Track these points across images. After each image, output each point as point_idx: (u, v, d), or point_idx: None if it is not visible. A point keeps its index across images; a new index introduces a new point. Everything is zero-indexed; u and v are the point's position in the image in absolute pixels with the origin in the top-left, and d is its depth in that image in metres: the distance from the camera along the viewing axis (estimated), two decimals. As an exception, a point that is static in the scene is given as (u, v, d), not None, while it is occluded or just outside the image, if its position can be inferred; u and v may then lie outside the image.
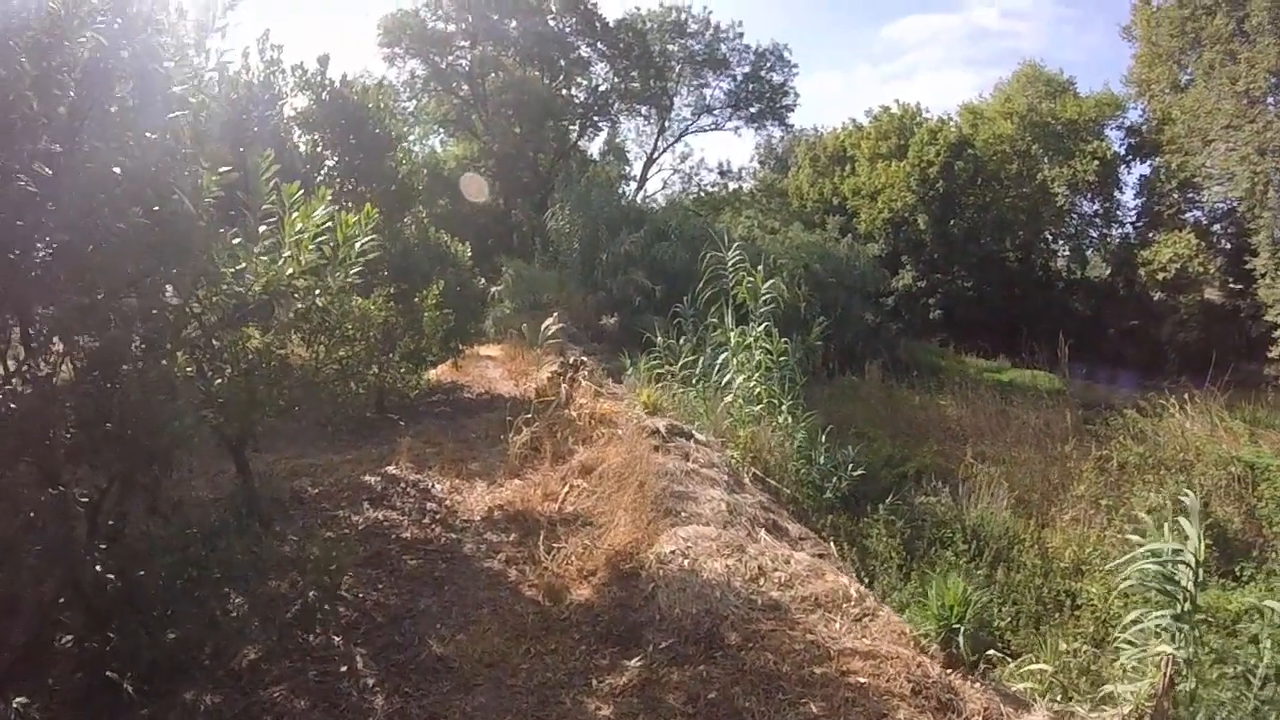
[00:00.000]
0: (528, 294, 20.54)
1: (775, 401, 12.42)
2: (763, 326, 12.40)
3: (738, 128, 34.13)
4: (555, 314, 10.65)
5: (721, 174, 34.26)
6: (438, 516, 8.85)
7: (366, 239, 4.65)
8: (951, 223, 33.09)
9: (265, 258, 4.38)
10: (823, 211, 35.72)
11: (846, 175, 36.43)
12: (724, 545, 7.24)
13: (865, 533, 10.63)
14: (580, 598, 6.99)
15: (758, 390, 12.30)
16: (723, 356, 12.96)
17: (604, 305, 20.33)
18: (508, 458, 9.98)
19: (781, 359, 12.79)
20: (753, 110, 33.50)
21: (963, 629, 6.15)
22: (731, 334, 13.01)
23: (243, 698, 5.98)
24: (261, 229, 4.60)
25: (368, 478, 10.09)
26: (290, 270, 4.44)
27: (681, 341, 15.29)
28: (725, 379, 12.82)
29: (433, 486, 9.65)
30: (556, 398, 10.97)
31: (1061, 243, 34.80)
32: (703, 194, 32.42)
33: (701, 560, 6.93)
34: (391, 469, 10.28)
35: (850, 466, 12.15)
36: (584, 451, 9.68)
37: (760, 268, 13.77)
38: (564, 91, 29.14)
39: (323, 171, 9.05)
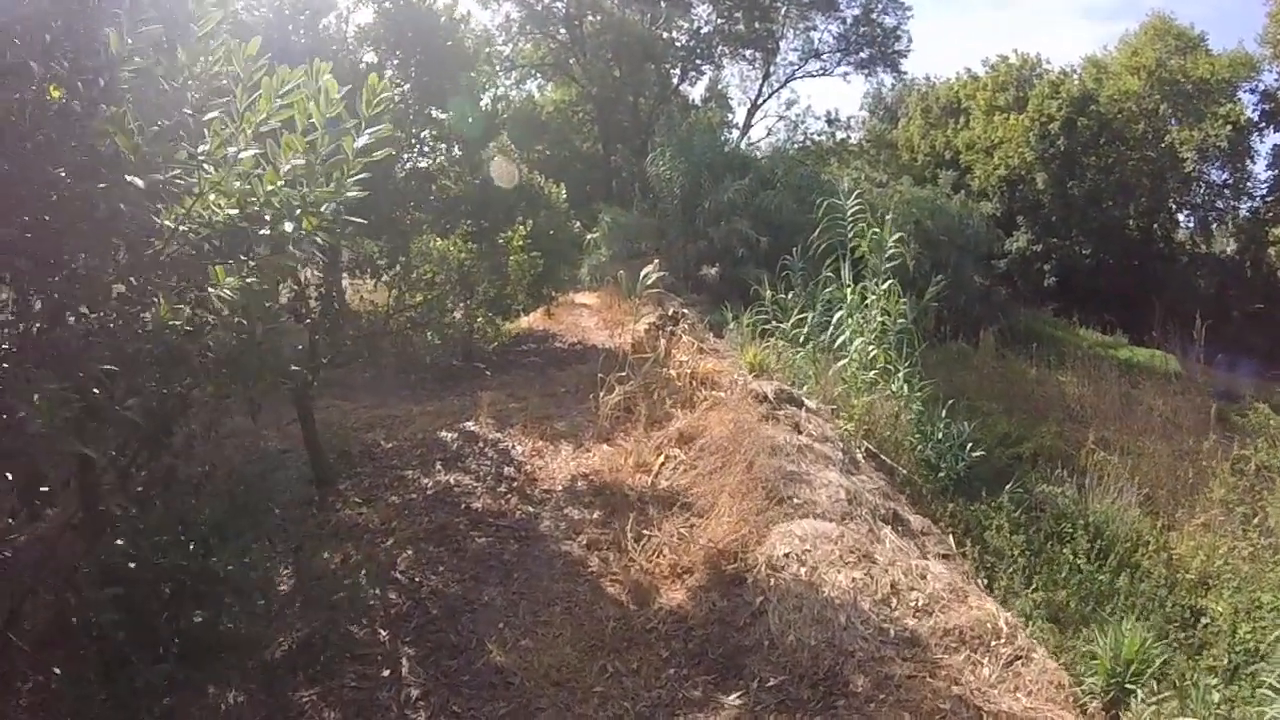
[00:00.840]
0: (625, 241, 19.06)
1: (891, 368, 10.62)
2: (887, 284, 10.56)
3: (846, 74, 31.35)
4: (655, 261, 9.06)
5: (829, 123, 31.80)
6: (515, 484, 7.53)
7: (378, 128, 3.10)
8: (1071, 184, 29.85)
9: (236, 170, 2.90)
10: (934, 166, 32.89)
11: (960, 128, 33.42)
12: (847, 549, 5.72)
13: (983, 521, 9.18)
14: (671, 602, 5.58)
15: (875, 354, 10.52)
16: (838, 315, 11.19)
17: (705, 255, 18.71)
18: (597, 418, 8.59)
19: (899, 321, 10.92)
20: (863, 55, 30.63)
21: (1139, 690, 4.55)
22: (849, 291, 11.22)
23: (268, 700, 4.79)
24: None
25: (444, 433, 8.86)
26: (270, 186, 2.96)
27: (790, 296, 13.61)
28: (839, 340, 11.06)
29: (513, 448, 8.35)
30: (654, 353, 9.46)
31: (1186, 213, 31.26)
32: (809, 143, 30.08)
33: (822, 569, 5.45)
34: (471, 425, 9.01)
35: (969, 446, 10.49)
36: (683, 417, 8.21)
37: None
38: (665, 34, 27.17)
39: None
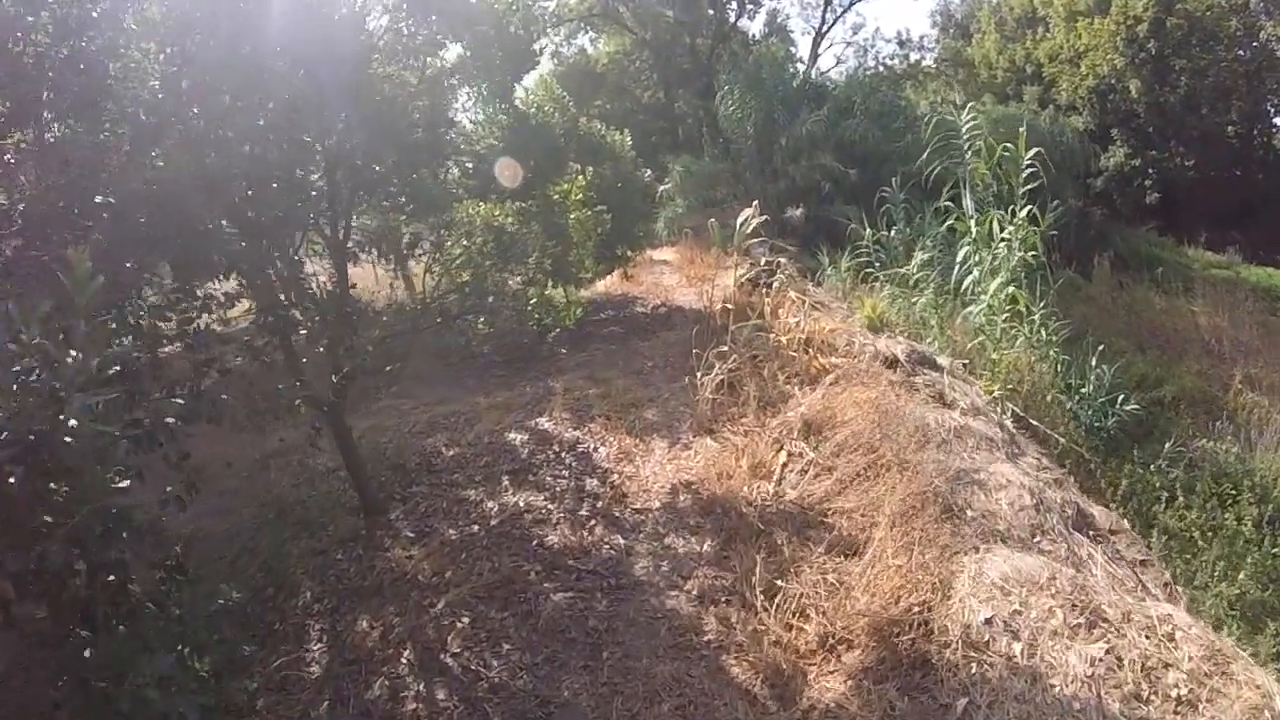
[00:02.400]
0: (699, 190, 16.75)
1: (1024, 310, 8.21)
2: (1026, 211, 8.13)
3: None
4: (755, 204, 6.78)
5: (900, 44, 28.34)
6: (599, 504, 5.58)
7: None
8: (1164, 90, 25.83)
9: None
10: (1015, 82, 29.21)
11: (1040, 39, 29.47)
12: (1065, 600, 3.77)
13: (1152, 493, 7.29)
14: (826, 698, 3.63)
15: (1013, 296, 8.13)
16: (962, 251, 8.77)
17: (786, 195, 16.26)
18: (695, 403, 6.51)
19: (1032, 255, 8.49)
20: None
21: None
22: (972, 223, 8.79)
23: None
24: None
25: (513, 434, 6.99)
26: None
27: (892, 234, 11.21)
28: (966, 281, 8.67)
29: (595, 449, 6.40)
30: (754, 314, 7.29)
31: None
32: (881, 68, 26.75)
33: (1043, 644, 3.32)
34: (544, 421, 7.10)
35: (1120, 399, 8.44)
36: (803, 396, 6.12)
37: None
38: (716, -35, 24.30)
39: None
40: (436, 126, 4.88)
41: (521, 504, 5.74)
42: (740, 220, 6.76)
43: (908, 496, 4.51)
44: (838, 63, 27.66)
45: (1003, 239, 8.43)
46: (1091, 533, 5.14)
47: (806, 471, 5.24)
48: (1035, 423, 7.27)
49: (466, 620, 4.61)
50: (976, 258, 8.83)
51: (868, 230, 11.05)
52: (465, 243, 5.71)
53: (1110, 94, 26.83)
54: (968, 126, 9.29)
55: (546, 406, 7.36)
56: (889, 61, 27.09)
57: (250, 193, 4.02)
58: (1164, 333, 13.91)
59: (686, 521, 5.15)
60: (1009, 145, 8.64)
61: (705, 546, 4.85)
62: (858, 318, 8.03)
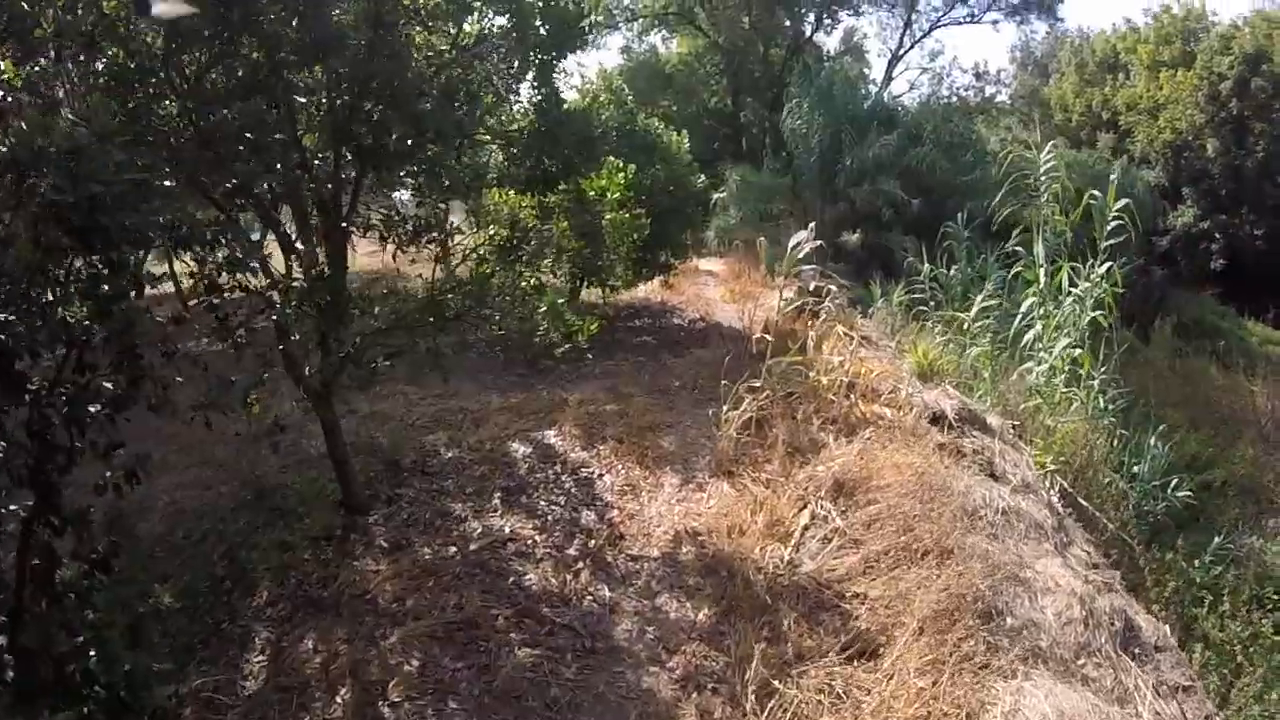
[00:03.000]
0: (755, 202, 15.90)
1: (1086, 374, 7.33)
2: (1106, 268, 7.26)
3: (996, 21, 26.06)
4: (811, 225, 5.98)
5: (977, 76, 27.07)
6: (591, 543, 4.87)
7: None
8: (1243, 153, 24.31)
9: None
10: (1090, 127, 27.80)
11: (1120, 85, 27.97)
12: None
13: (1188, 589, 6.41)
14: None
15: (1080, 358, 7.29)
16: (1027, 302, 7.91)
17: (845, 219, 15.40)
18: (718, 437, 5.74)
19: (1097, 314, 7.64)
20: (1015, 0, 25.70)
21: None
22: (1042, 272, 7.93)
23: None
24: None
25: (516, 445, 6.33)
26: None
27: (952, 272, 10.34)
28: (1029, 336, 7.81)
29: (599, 477, 5.70)
30: (794, 343, 6.54)
31: None
32: (954, 98, 25.57)
33: None
34: (551, 434, 6.43)
35: (1174, 483, 7.49)
36: (838, 448, 5.35)
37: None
38: (799, -23, 23.35)
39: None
40: (453, 99, 4.22)
41: (507, 529, 5.06)
42: (793, 242, 6.00)
43: (943, 595, 3.74)
44: (911, 88, 26.49)
45: (1074, 294, 7.54)
46: (1138, 649, 4.32)
47: (830, 540, 4.48)
48: (1084, 503, 6.42)
49: (417, 663, 3.94)
50: (1041, 310, 7.95)
51: (926, 265, 10.21)
52: (481, 235, 5.06)
53: (1186, 151, 25.42)
54: (1046, 167, 8.38)
55: (559, 418, 6.68)
56: (963, 92, 25.89)
57: (215, 153, 3.43)
58: (1220, 410, 12.81)
59: (685, 580, 4.42)
60: (1096, 194, 7.74)
61: (701, 615, 4.12)
62: (907, 362, 7.22)
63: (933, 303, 10.22)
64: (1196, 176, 25.11)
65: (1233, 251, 24.11)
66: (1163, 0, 31.23)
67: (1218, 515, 8.44)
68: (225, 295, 3.64)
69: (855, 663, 3.57)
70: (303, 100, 4.15)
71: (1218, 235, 24.38)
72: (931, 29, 25.88)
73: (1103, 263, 7.42)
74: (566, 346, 4.54)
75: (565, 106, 5.24)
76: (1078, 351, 7.21)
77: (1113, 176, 8.58)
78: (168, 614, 4.20)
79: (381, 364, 4.71)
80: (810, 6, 23.10)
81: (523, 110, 5.20)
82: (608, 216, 6.67)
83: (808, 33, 24.06)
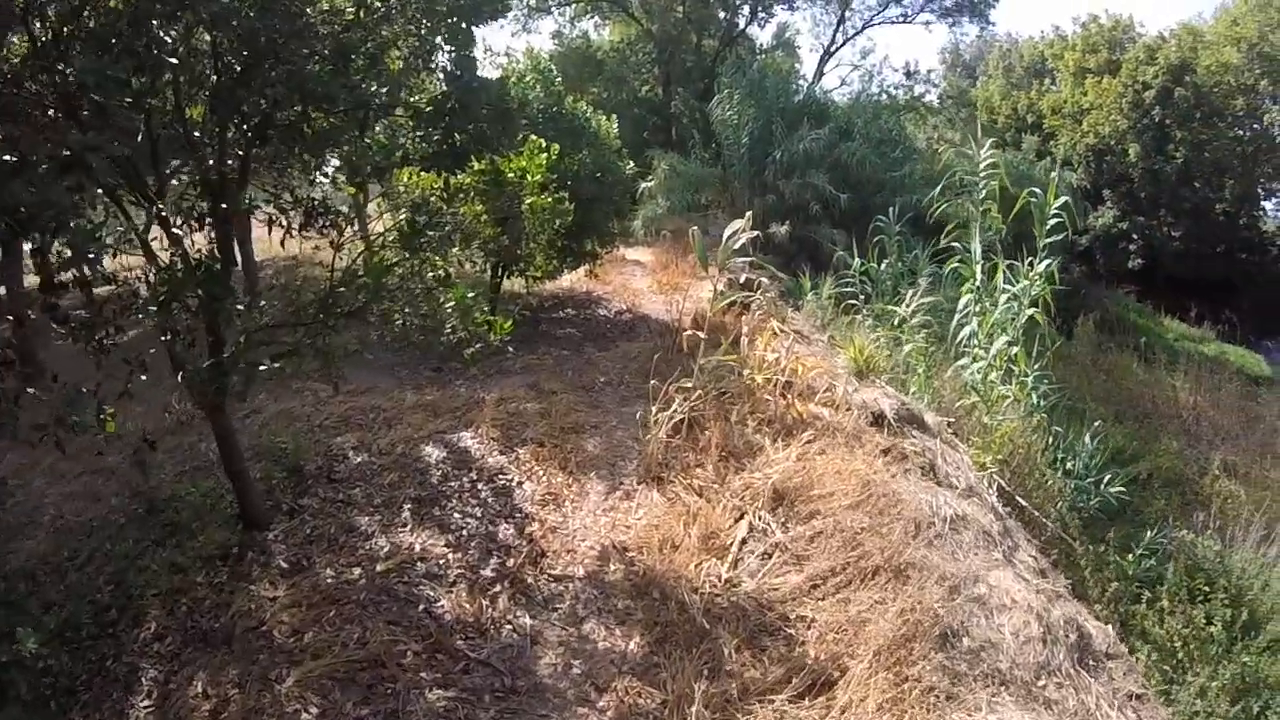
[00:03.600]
0: (684, 191, 15.45)
1: (1018, 370, 7.19)
2: (1045, 264, 7.11)
3: (929, 23, 25.85)
4: (747, 216, 5.48)
5: (907, 75, 27.15)
6: (510, 562, 4.36)
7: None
8: (1162, 159, 25.23)
9: None
10: (1015, 129, 28.28)
11: (1045, 90, 28.66)
12: None
13: (1125, 584, 6.34)
14: None
15: (1017, 355, 7.15)
16: (963, 299, 7.74)
17: (773, 211, 15.09)
18: (646, 442, 5.28)
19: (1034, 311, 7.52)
20: (948, 2, 25.83)
21: None
22: (979, 269, 7.78)
23: None
24: None
25: (430, 449, 5.79)
26: None
27: (883, 267, 10.17)
28: (964, 331, 7.65)
29: (518, 485, 5.20)
30: (726, 338, 6.12)
31: (1275, 200, 26.51)
32: (884, 96, 25.62)
33: None
34: (468, 436, 5.90)
35: (1107, 479, 7.49)
36: (775, 452, 4.96)
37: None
38: (735, -33, 22.96)
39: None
40: (348, 62, 3.60)
41: (418, 547, 4.52)
42: (728, 233, 5.58)
43: (898, 620, 3.38)
44: (842, 84, 26.57)
45: (1010, 292, 7.37)
46: (1092, 661, 4.08)
47: (771, 556, 4.09)
48: (1023, 501, 6.23)
49: (315, 710, 3.39)
50: (978, 307, 7.77)
51: (856, 259, 9.98)
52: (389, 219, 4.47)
53: (1107, 154, 26.12)
54: (985, 165, 8.20)
55: (476, 418, 6.13)
56: (893, 90, 26.01)
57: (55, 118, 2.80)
58: (1142, 404, 13.04)
59: (613, 603, 3.96)
60: (1037, 191, 7.58)
61: (632, 644, 3.67)
62: (843, 359, 6.91)
63: (862, 297, 10.03)
64: (1117, 179, 25.83)
65: (1150, 252, 24.90)
66: (1091, 10, 31.93)
67: (1144, 508, 8.50)
68: (83, 290, 3.02)
69: (807, 699, 3.17)
70: (174, 60, 3.49)
71: (1136, 236, 25.16)
72: (864, 27, 25.81)
73: (1042, 259, 7.26)
74: (477, 346, 3.98)
75: (480, 75, 4.61)
76: (1014, 349, 7.04)
77: (1053, 175, 8.45)
78: (42, 656, 3.57)
79: (268, 366, 4.09)
80: (743, -1, 22.80)
81: (433, 79, 4.59)
82: (528, 201, 6.01)
83: (741, 25, 23.72)
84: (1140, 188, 25.40)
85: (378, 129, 4.44)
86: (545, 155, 5.84)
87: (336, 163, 4.70)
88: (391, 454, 5.80)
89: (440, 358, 8.02)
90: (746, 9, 23.00)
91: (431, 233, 3.79)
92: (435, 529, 4.72)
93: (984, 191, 8.13)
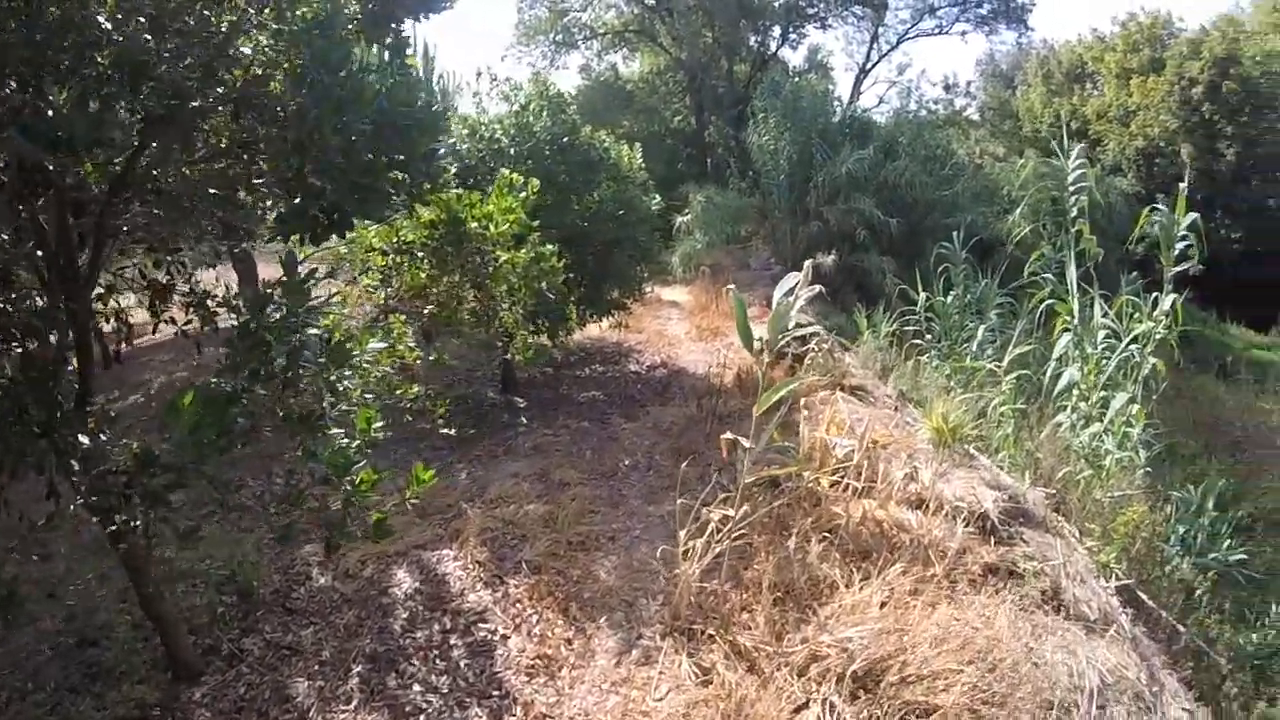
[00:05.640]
0: (722, 224, 14.04)
1: (1138, 432, 5.63)
2: (1171, 301, 5.50)
3: (964, 33, 24.03)
4: (811, 263, 3.91)
5: (946, 88, 25.43)
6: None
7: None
8: (1217, 157, 23.25)
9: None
10: (1060, 137, 26.33)
11: (1088, 95, 26.77)
12: None
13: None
14: None
15: (1137, 413, 5.52)
16: (1060, 342, 6.16)
17: (817, 240, 13.63)
18: (675, 579, 3.81)
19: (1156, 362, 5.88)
20: (983, 10, 23.87)
21: None
22: (1076, 303, 6.23)
23: None
24: None
25: (401, 575, 4.43)
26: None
27: (950, 299, 8.65)
28: (1064, 380, 6.03)
29: (501, 640, 3.80)
30: (775, 409, 4.63)
31: None
32: (924, 111, 23.98)
33: None
34: (448, 556, 4.57)
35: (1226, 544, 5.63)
36: (850, 594, 3.40)
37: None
38: (764, -11, 21.49)
39: None
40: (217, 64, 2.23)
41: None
42: (780, 293, 4.08)
43: None
44: (880, 102, 24.86)
45: (1131, 333, 5.77)
46: None
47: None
48: (1153, 604, 4.62)
49: None
50: (1078, 352, 6.16)
51: (921, 293, 8.44)
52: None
53: (1158, 157, 24.17)
54: (1074, 177, 6.63)
55: (464, 528, 4.75)
56: (932, 105, 24.34)
57: None
58: (1231, 432, 11.17)
59: None
60: (1160, 208, 6.01)
61: None
62: (922, 431, 5.38)
63: (928, 335, 8.50)
64: (1169, 183, 23.80)
65: (1209, 256, 22.85)
66: (1129, 9, 30.03)
67: (1251, 561, 6.80)
68: None
69: None
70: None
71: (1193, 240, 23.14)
72: (899, 42, 24.26)
73: (1168, 294, 5.65)
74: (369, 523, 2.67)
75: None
76: (1134, 408, 5.43)
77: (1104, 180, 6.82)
78: None
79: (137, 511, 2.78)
80: (775, 20, 21.35)
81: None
82: (504, 262, 4.36)
83: (773, 48, 22.35)
84: (1195, 190, 23.41)
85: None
86: (523, 195, 4.23)
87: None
88: (358, 577, 4.46)
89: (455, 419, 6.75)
90: (777, 30, 21.62)
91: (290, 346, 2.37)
92: (384, 710, 3.33)
93: (1075, 209, 6.55)
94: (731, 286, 4.44)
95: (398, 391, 4.61)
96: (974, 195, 14.61)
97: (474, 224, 3.43)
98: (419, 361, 4.31)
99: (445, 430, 4.85)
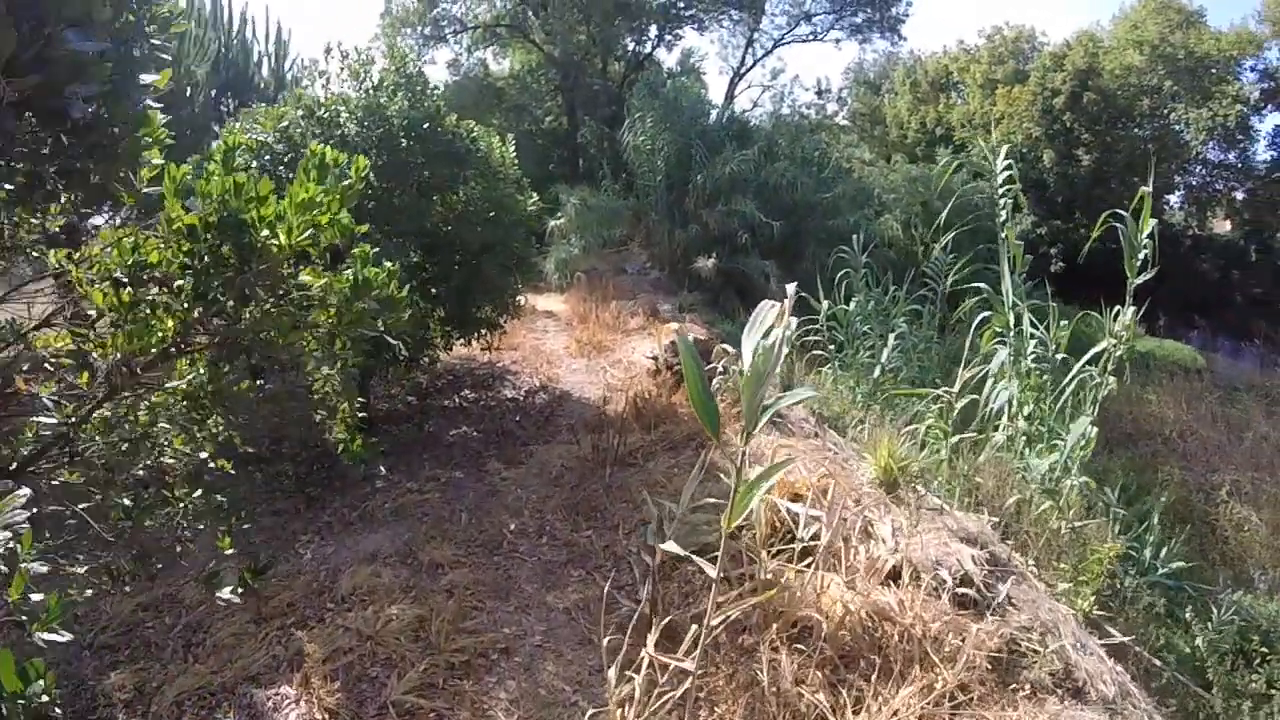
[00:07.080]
0: (597, 228, 12.97)
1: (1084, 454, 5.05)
2: (1130, 314, 4.99)
3: (839, 40, 23.75)
4: (791, 290, 2.86)
5: (819, 94, 25.43)
6: None
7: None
8: (1076, 163, 24.85)
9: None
10: (926, 143, 27.29)
11: (953, 104, 27.82)
12: None
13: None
14: None
15: (1091, 436, 4.95)
16: (995, 359, 5.52)
17: (696, 243, 12.85)
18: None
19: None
20: (858, 19, 24.16)
21: None
22: (1012, 316, 5.63)
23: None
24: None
25: None
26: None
27: (852, 306, 8.02)
28: (1000, 398, 5.39)
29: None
30: (676, 425, 3.60)
31: (1179, 194, 26.20)
32: (797, 116, 23.82)
33: None
34: (290, 697, 3.19)
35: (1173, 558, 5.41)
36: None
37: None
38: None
39: None
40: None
41: None
42: (754, 331, 2.85)
43: None
44: (753, 105, 24.62)
45: (1092, 351, 5.19)
46: None
47: None
48: (1121, 637, 3.99)
49: None
50: (1013, 369, 5.55)
51: (823, 302, 7.73)
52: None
53: (1020, 162, 25.34)
54: (1003, 179, 6.02)
55: (308, 650, 3.44)
56: (804, 109, 24.26)
57: None
58: (1122, 424, 11.23)
59: None
60: (1123, 213, 5.47)
61: None
62: (866, 470, 4.53)
63: (831, 345, 7.85)
64: (1033, 186, 25.15)
65: (1068, 254, 24.36)
66: (995, 23, 31.17)
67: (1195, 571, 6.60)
68: None
69: None
70: None
71: (1058, 240, 24.59)
72: (775, 47, 23.94)
73: (1128, 305, 5.08)
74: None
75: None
76: (1093, 431, 4.83)
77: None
78: None
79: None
80: (652, 19, 20.42)
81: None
82: (310, 283, 2.56)
83: (649, 49, 21.44)
84: (1056, 192, 24.93)
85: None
86: (346, 183, 2.44)
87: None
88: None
89: (293, 490, 5.32)
90: (654, 30, 20.71)
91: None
92: None
93: (1004, 213, 5.95)
94: (675, 326, 3.40)
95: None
96: (851, 198, 14.36)
97: (263, 230, 1.98)
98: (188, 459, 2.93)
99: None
